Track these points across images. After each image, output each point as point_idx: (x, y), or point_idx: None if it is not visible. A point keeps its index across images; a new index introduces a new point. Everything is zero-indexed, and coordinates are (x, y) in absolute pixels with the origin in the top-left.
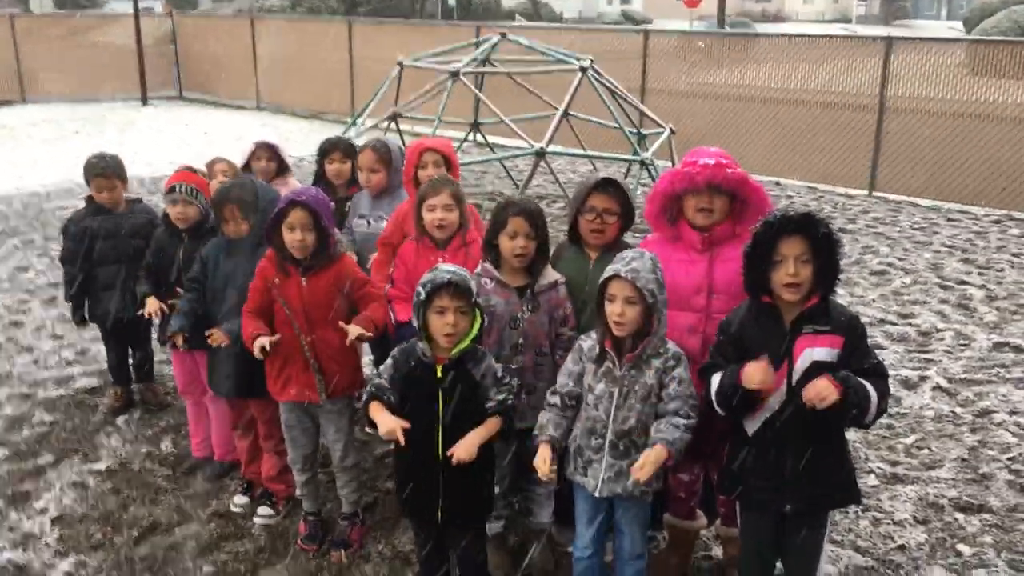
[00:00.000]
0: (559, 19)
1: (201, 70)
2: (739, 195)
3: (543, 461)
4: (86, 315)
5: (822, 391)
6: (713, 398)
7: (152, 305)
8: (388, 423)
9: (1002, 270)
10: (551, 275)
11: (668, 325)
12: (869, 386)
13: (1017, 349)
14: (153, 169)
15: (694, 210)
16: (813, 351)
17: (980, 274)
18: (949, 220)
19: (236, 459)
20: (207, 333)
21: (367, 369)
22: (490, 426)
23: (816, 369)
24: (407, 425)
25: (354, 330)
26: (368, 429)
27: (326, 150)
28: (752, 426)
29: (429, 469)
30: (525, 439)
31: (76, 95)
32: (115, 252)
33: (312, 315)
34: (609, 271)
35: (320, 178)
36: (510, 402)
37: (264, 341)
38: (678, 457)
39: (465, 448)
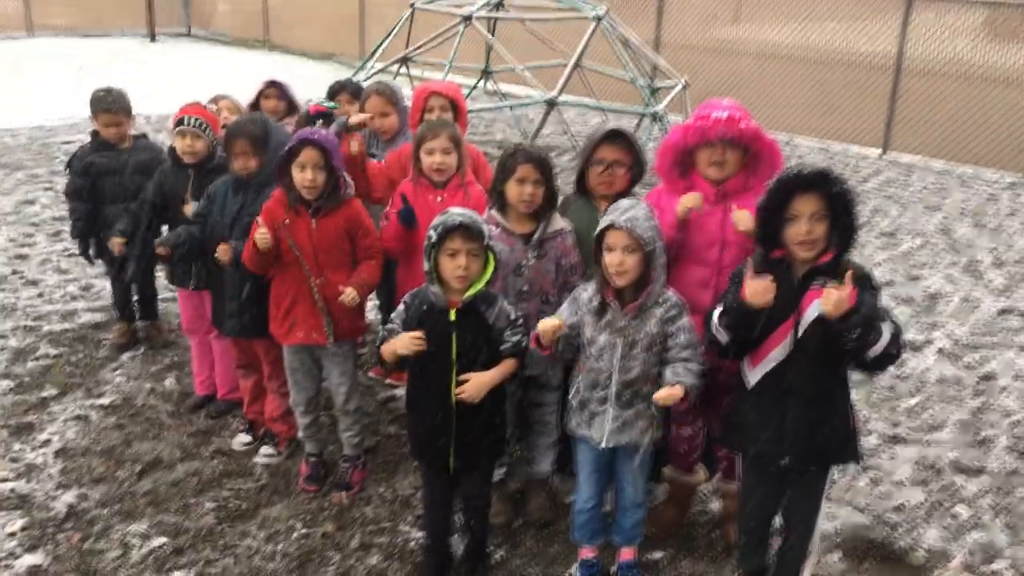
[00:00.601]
0: None
1: (210, 7)
2: (752, 149)
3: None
4: (90, 252)
5: (840, 299)
6: (715, 324)
7: (116, 244)
8: (404, 338)
9: (1013, 235)
10: (558, 223)
11: (680, 279)
12: (885, 324)
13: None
14: (160, 106)
15: (707, 163)
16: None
17: (990, 239)
18: (962, 183)
19: (239, 398)
20: (217, 255)
21: (371, 314)
22: (505, 367)
23: (822, 322)
24: (419, 335)
25: (349, 292)
26: (372, 374)
27: (335, 91)
28: (754, 377)
29: (443, 412)
30: (530, 388)
31: (83, 29)
32: (120, 189)
33: (321, 257)
34: (605, 221)
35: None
36: (524, 344)
37: (264, 233)
38: (693, 401)
39: (476, 387)
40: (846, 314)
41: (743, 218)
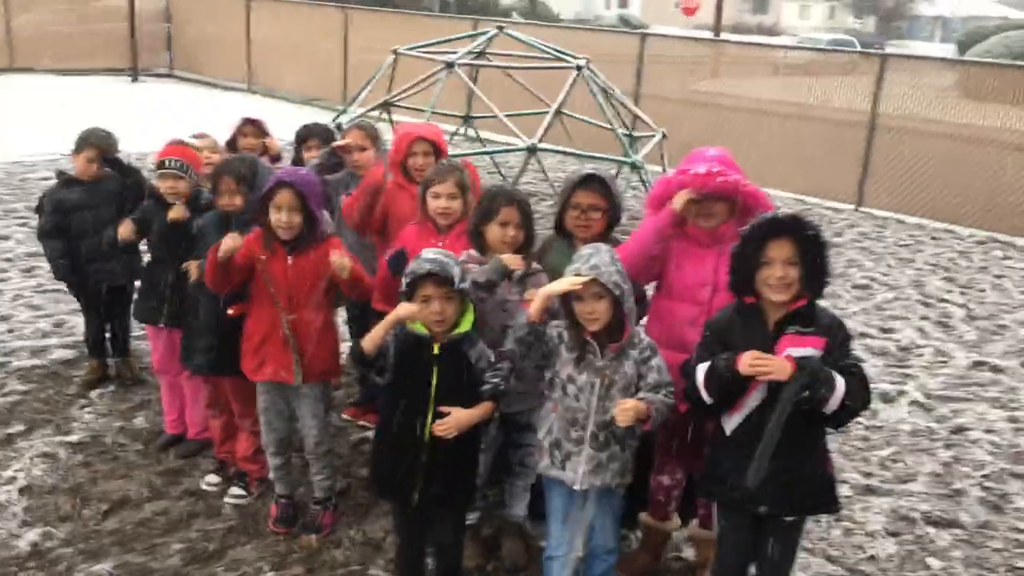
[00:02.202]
0: (556, 19)
1: (194, 49)
2: (738, 198)
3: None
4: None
5: (772, 364)
6: (700, 381)
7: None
8: (400, 307)
9: (983, 290)
10: (533, 264)
11: (669, 315)
12: (837, 376)
13: (995, 369)
14: (140, 145)
15: (695, 214)
16: (796, 351)
17: (962, 293)
18: (934, 238)
19: (209, 438)
20: (184, 266)
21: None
22: (484, 409)
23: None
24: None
25: (340, 261)
26: (345, 415)
27: (303, 137)
28: (731, 425)
29: (413, 447)
30: (512, 430)
31: (66, 67)
32: (95, 221)
33: (295, 294)
34: (569, 271)
35: (297, 164)
36: (502, 387)
37: (231, 241)
38: (655, 421)
39: (455, 421)
40: (791, 377)
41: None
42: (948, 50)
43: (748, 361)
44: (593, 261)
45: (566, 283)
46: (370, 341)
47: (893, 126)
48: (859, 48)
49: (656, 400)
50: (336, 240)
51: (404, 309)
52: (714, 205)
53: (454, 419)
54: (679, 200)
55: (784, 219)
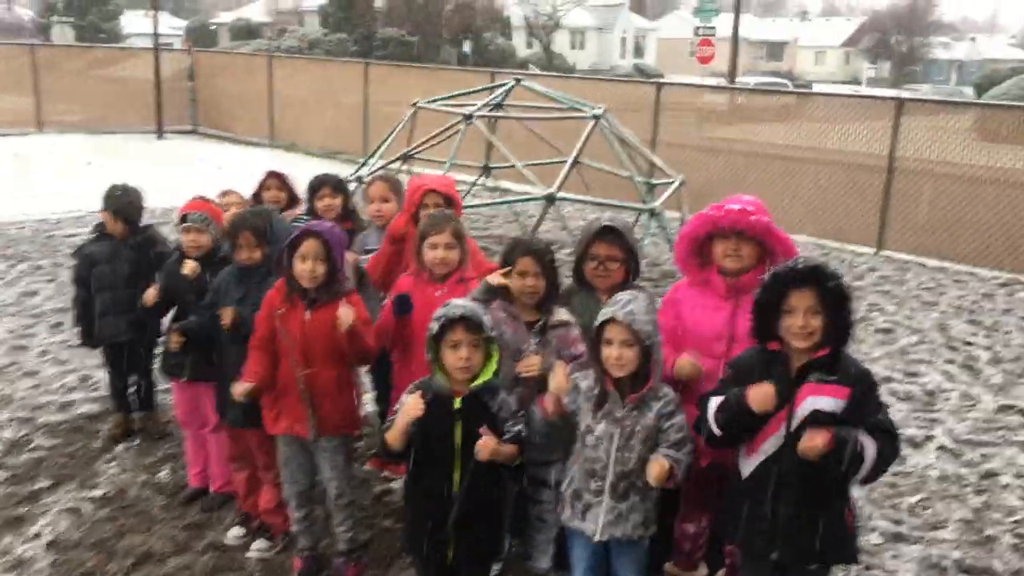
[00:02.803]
0: (572, 70)
1: (217, 106)
2: (766, 243)
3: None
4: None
5: (812, 440)
6: (711, 414)
7: (150, 293)
8: (407, 405)
9: (1009, 332)
10: (562, 314)
11: None
12: (869, 445)
13: (1023, 412)
14: (165, 200)
15: (722, 255)
16: (817, 400)
17: (987, 336)
18: (956, 281)
19: (233, 491)
20: (219, 311)
21: (369, 406)
22: (510, 448)
23: (816, 418)
24: (420, 402)
25: (345, 312)
26: (369, 466)
27: (316, 187)
28: (747, 468)
29: (443, 503)
30: (528, 484)
31: (92, 126)
32: (112, 276)
33: (310, 349)
34: (605, 314)
35: (310, 214)
36: (524, 434)
37: (241, 388)
38: (679, 479)
39: (487, 446)
40: (831, 450)
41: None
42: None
43: (756, 396)
44: (630, 307)
45: (560, 384)
46: (394, 440)
47: (911, 168)
48: (792, 88)
49: (679, 458)
50: (356, 298)
51: (413, 410)
52: (743, 246)
53: (492, 442)
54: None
55: (805, 269)
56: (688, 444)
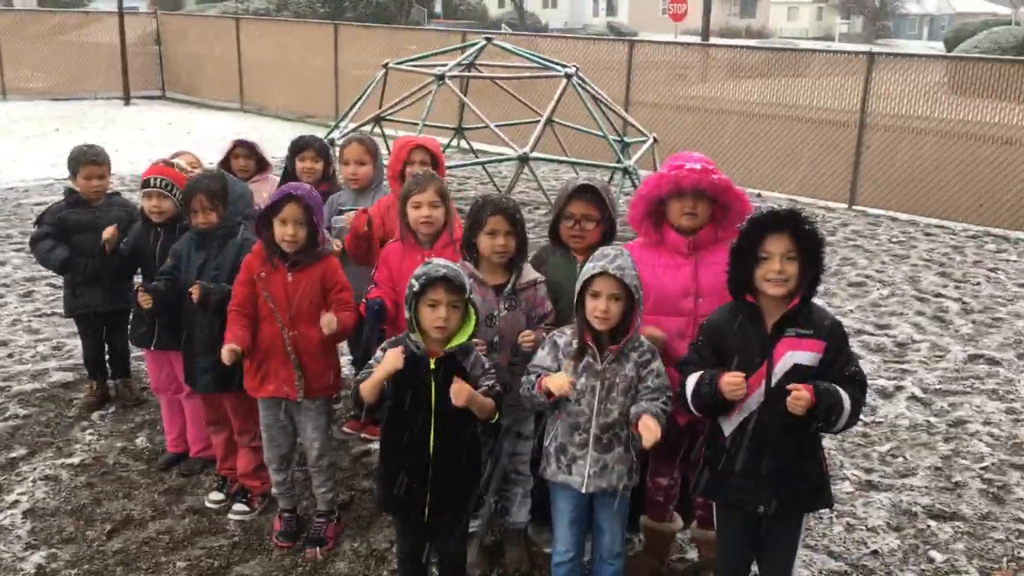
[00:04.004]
0: (545, 29)
1: (185, 70)
2: (722, 201)
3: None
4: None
5: (798, 396)
6: (688, 398)
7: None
8: (387, 357)
9: (978, 284)
10: (530, 274)
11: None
12: (845, 398)
13: (991, 361)
14: (134, 167)
15: (679, 214)
16: (795, 354)
17: (956, 287)
18: (927, 234)
19: (211, 455)
20: (190, 290)
21: (346, 370)
22: (485, 400)
23: (796, 372)
24: (399, 356)
25: (328, 317)
26: (347, 428)
27: (300, 147)
28: (729, 427)
29: (419, 462)
30: (504, 438)
31: (58, 92)
32: (93, 246)
33: (296, 310)
34: (595, 268)
35: (288, 176)
36: (498, 389)
37: (229, 353)
38: (663, 434)
39: (465, 395)
40: (813, 406)
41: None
42: (936, 47)
43: (728, 386)
44: (619, 262)
45: (561, 384)
46: (369, 391)
47: (883, 124)
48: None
49: (664, 410)
50: (334, 260)
51: (392, 361)
52: (698, 204)
53: (465, 389)
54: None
55: (781, 213)
56: (668, 391)
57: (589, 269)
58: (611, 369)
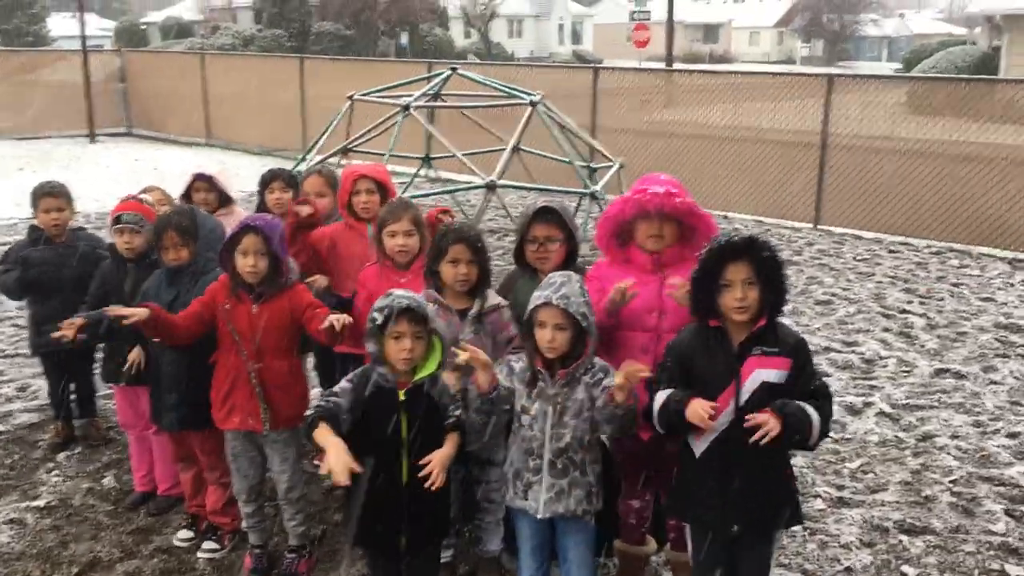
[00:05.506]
0: (511, 59)
1: (151, 107)
2: (687, 222)
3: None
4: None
5: (767, 427)
6: (655, 416)
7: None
8: (338, 462)
9: (942, 299)
10: (493, 298)
11: (621, 344)
12: (811, 410)
13: (957, 375)
14: (100, 204)
15: (645, 236)
16: (762, 372)
17: (921, 303)
18: (891, 252)
19: (180, 493)
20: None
21: (316, 401)
22: (453, 442)
23: (764, 390)
24: (357, 469)
25: (330, 318)
26: (317, 461)
27: (267, 180)
28: (699, 447)
29: (393, 495)
30: (474, 465)
31: (22, 132)
32: (57, 282)
33: (261, 343)
34: (539, 298)
35: (260, 209)
36: (463, 417)
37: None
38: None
39: (440, 467)
40: (783, 428)
41: (680, 291)
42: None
43: (695, 415)
44: (564, 291)
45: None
46: (320, 442)
47: (845, 144)
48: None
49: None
50: (301, 286)
51: (337, 469)
52: (664, 226)
53: (437, 463)
54: (612, 299)
55: (739, 241)
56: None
57: (534, 299)
58: (563, 393)
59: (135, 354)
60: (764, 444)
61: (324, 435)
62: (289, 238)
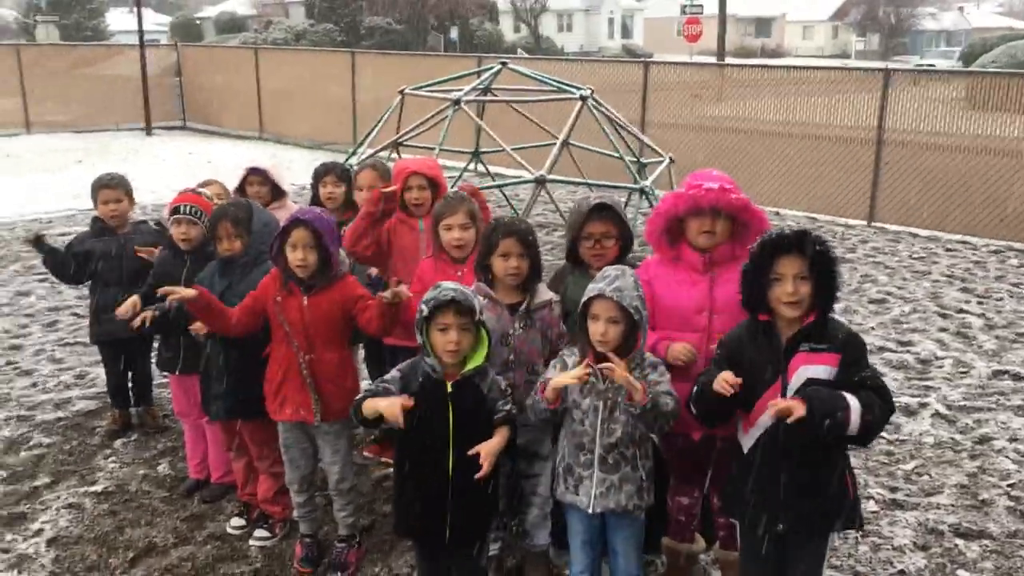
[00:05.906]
0: (560, 53)
1: (205, 100)
2: (740, 219)
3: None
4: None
5: (788, 410)
6: (692, 403)
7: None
8: (391, 405)
9: (1001, 299)
10: (545, 294)
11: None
12: (849, 397)
13: (1016, 377)
14: (156, 196)
15: (697, 232)
16: (808, 368)
17: (979, 303)
18: (948, 250)
19: (233, 481)
20: (191, 327)
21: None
22: (502, 435)
23: (811, 387)
24: (409, 404)
25: (391, 293)
26: (367, 453)
27: (320, 174)
28: (748, 443)
29: (439, 486)
30: (521, 459)
31: (80, 125)
32: (117, 273)
33: (312, 335)
34: (593, 290)
35: (314, 203)
36: (514, 412)
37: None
38: (651, 410)
39: (489, 458)
40: (807, 410)
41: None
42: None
43: (720, 382)
44: (618, 284)
45: (573, 375)
46: (370, 409)
47: (901, 140)
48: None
49: (658, 393)
50: (352, 278)
51: (390, 410)
52: (717, 222)
53: (486, 455)
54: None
55: (791, 235)
56: (668, 395)
57: (588, 291)
58: (614, 388)
59: (133, 300)
60: (799, 432)
61: (373, 401)
62: (367, 228)
